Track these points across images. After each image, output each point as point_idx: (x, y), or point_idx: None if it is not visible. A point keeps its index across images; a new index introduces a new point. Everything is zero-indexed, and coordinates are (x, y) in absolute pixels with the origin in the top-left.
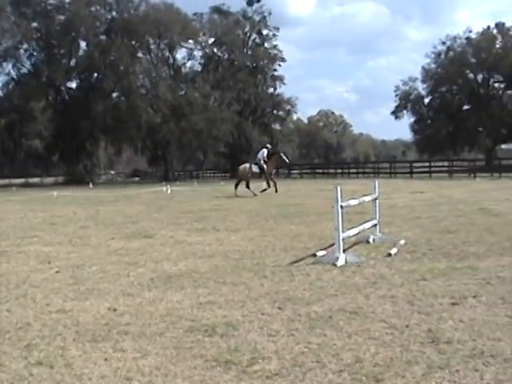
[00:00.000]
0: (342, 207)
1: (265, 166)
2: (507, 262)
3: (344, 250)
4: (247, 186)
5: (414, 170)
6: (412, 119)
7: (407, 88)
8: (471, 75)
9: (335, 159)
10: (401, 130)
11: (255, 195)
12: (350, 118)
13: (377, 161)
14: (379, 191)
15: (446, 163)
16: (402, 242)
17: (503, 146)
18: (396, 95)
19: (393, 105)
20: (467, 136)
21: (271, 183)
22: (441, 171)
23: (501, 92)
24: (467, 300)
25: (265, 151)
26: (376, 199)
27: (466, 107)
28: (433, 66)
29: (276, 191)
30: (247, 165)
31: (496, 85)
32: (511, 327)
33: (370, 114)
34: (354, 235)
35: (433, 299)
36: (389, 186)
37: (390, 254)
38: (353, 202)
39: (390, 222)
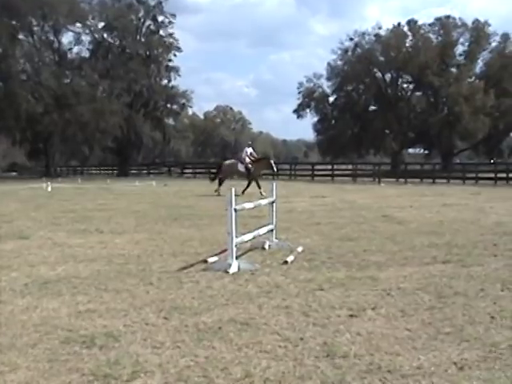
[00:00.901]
0: (236, 210)
1: (250, 166)
2: (409, 273)
3: (237, 257)
4: (219, 183)
5: (316, 172)
6: (315, 118)
7: (311, 85)
8: (379, 74)
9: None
10: (303, 129)
11: (219, 195)
12: (250, 114)
13: (277, 162)
14: (277, 194)
15: (349, 166)
16: (300, 249)
17: (410, 150)
18: (299, 92)
19: (295, 102)
20: (373, 138)
21: (253, 183)
22: (344, 175)
23: (409, 93)
24: (366, 312)
25: (248, 150)
26: (273, 203)
27: (372, 108)
28: (339, 62)
29: (261, 194)
30: (233, 161)
31: (405, 85)
32: (410, 341)
33: (271, 111)
34: (249, 241)
35: (330, 311)
36: (288, 188)
37: (286, 262)
38: (248, 206)
39: (288, 228)
